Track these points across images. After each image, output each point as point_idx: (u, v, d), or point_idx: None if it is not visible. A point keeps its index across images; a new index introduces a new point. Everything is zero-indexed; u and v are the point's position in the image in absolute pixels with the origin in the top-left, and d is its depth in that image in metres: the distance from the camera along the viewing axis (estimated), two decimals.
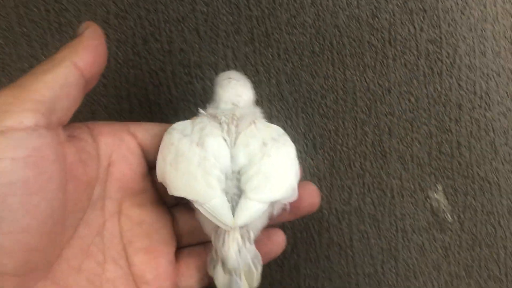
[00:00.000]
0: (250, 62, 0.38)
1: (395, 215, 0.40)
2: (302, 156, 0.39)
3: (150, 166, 0.31)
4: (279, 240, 0.33)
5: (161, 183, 0.29)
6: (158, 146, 0.29)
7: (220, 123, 0.28)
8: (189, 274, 0.31)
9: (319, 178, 0.39)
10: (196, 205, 0.27)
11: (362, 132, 0.39)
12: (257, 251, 0.28)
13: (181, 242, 0.32)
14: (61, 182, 0.26)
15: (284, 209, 0.29)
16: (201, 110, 0.30)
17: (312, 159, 0.39)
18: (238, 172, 0.27)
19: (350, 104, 0.39)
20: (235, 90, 0.31)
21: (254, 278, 0.28)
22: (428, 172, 0.39)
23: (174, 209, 0.33)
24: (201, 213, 0.27)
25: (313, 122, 0.39)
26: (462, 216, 0.39)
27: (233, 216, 0.26)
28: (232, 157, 0.27)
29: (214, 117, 0.29)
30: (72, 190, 0.27)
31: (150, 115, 0.40)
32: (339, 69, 0.38)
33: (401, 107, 0.38)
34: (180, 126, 0.29)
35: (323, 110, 0.39)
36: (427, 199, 0.39)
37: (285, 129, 0.36)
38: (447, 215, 0.39)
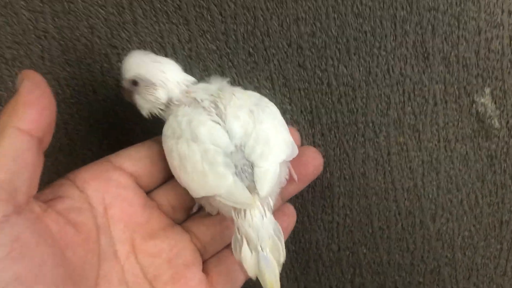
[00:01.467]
0: None
1: (438, 124, 0.36)
2: (335, 63, 0.35)
3: (148, 190, 0.31)
4: (291, 211, 0.34)
5: (164, 204, 0.30)
6: (149, 168, 0.30)
7: (203, 107, 0.29)
8: (223, 282, 0.30)
9: (353, 88, 0.35)
10: (217, 199, 0.27)
11: (402, 32, 0.34)
12: (276, 222, 0.28)
13: (206, 254, 0.31)
14: (55, 257, 0.23)
15: (291, 178, 0.30)
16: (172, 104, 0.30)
17: (346, 67, 0.35)
18: (240, 144, 0.28)
19: (388, 1, 0.33)
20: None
21: (280, 252, 0.27)
22: (474, 74, 0.35)
23: (187, 224, 0.31)
24: (221, 203, 0.27)
25: (347, 23, 0.34)
26: (510, 121, 0.35)
27: (254, 188, 0.27)
28: (229, 133, 0.28)
29: (194, 102, 0.29)
30: (73, 256, 0.24)
31: (158, 26, 0.34)
32: None
33: (447, 0, 0.33)
34: (169, 131, 0.29)
35: (358, 9, 0.34)
36: (473, 104, 0.35)
37: (314, 34, 0.33)
38: (494, 120, 0.36)
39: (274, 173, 0.28)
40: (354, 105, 0.36)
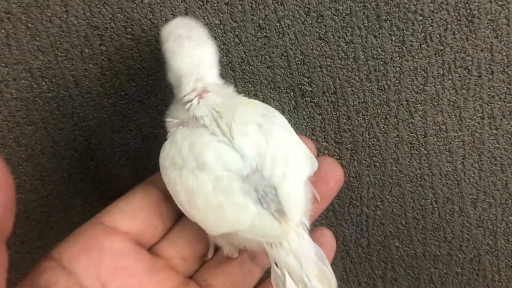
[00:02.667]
0: None
1: (482, 99, 0.31)
2: (362, 33, 0.29)
3: (151, 244, 0.26)
4: (327, 234, 0.28)
5: (174, 257, 0.26)
6: (148, 220, 0.26)
7: (205, 126, 0.24)
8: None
9: (384, 62, 0.30)
10: (241, 235, 0.24)
11: None
12: (317, 245, 0.24)
13: None
14: None
15: (315, 199, 0.26)
16: (169, 119, 0.25)
17: (375, 37, 0.29)
18: (256, 166, 0.24)
19: None
20: (191, 56, 0.24)
21: (330, 279, 0.24)
22: None
23: (203, 275, 0.27)
24: (246, 238, 0.24)
25: None
26: None
27: (283, 213, 0.23)
28: (239, 154, 0.24)
29: (193, 121, 0.24)
30: None
31: (149, 0, 0.28)
32: None
33: None
34: (168, 160, 0.24)
35: None
36: None
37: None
38: None
39: (302, 194, 0.24)
40: (386, 82, 0.30)
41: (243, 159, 0.24)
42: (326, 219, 0.34)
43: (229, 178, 0.23)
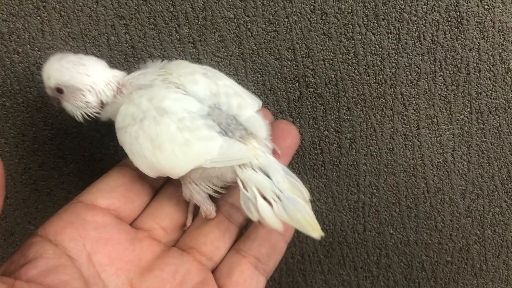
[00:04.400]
0: None
1: (470, 95, 0.34)
2: (362, 30, 0.32)
3: (132, 219, 0.28)
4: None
5: (155, 228, 0.28)
6: (126, 195, 0.27)
7: (160, 82, 0.27)
8: None
9: (382, 58, 0.33)
10: (210, 167, 0.25)
11: None
12: (282, 164, 0.27)
13: (214, 264, 0.28)
14: None
15: (274, 151, 0.28)
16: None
17: (374, 34, 0.32)
18: (214, 104, 0.26)
19: None
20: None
21: (301, 189, 0.26)
22: (511, 40, 0.32)
23: (184, 241, 0.28)
24: (216, 170, 0.26)
25: None
26: None
27: (248, 137, 0.26)
28: (195, 97, 0.26)
29: (144, 87, 0.27)
30: None
31: None
32: None
33: None
34: (127, 119, 0.26)
35: None
36: (508, 72, 0.33)
37: None
38: None
39: (260, 116, 0.27)
40: (383, 76, 0.33)
41: (199, 102, 0.26)
42: (325, 205, 0.36)
43: (192, 117, 0.25)
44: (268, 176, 0.25)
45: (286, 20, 0.32)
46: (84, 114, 0.28)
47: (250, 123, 0.27)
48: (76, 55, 0.27)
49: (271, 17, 0.32)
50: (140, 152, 0.26)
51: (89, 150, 0.35)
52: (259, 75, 0.33)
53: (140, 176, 0.28)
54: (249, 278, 0.27)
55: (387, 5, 0.31)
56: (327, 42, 0.32)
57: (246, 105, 0.27)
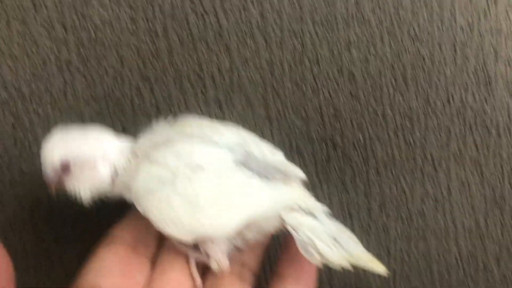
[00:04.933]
0: None
1: (501, 156, 0.33)
2: (390, 92, 0.31)
3: None
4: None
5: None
6: (126, 268, 0.25)
7: (180, 136, 0.25)
8: None
9: (411, 119, 0.32)
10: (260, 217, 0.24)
11: (463, 57, 0.31)
12: None
13: None
14: None
15: None
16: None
17: (403, 96, 0.32)
18: (246, 152, 0.25)
19: (448, 22, 0.31)
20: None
21: (346, 230, 0.26)
22: None
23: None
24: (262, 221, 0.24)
25: (402, 47, 0.31)
26: None
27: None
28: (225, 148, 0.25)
29: (165, 142, 0.25)
30: None
31: (196, 55, 0.31)
32: None
33: (510, 20, 0.31)
34: (151, 183, 0.24)
35: (414, 32, 0.31)
36: None
37: (367, 60, 0.30)
38: None
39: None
40: (412, 138, 0.32)
41: (231, 151, 0.24)
42: (355, 274, 0.35)
43: (229, 169, 0.23)
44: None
45: (313, 82, 0.31)
46: (93, 191, 0.25)
47: (286, 166, 0.25)
48: (78, 127, 0.26)
49: (298, 79, 0.31)
50: (175, 217, 0.23)
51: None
52: (286, 137, 0.32)
53: (132, 249, 0.26)
54: None
55: (415, 68, 0.31)
56: (355, 103, 0.32)
57: (275, 149, 0.26)
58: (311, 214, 0.25)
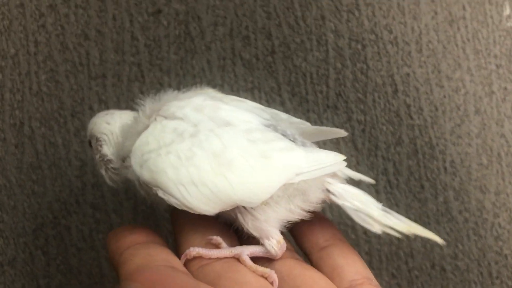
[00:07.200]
0: (414, 177, 0.33)
1: None
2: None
3: None
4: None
5: None
6: None
7: (199, 95, 0.22)
8: None
9: None
10: (298, 179, 0.21)
11: None
12: None
13: None
14: None
15: None
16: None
17: None
18: (271, 116, 0.23)
19: None
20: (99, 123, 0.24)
21: None
22: None
23: None
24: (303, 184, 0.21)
25: (487, 245, 0.33)
26: None
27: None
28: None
29: (180, 100, 0.22)
30: None
31: None
32: (510, 183, 0.34)
33: None
34: (165, 137, 0.20)
35: (497, 232, 0.33)
36: None
37: (456, 256, 0.32)
38: None
39: None
40: None
41: (258, 116, 0.22)
42: None
43: (259, 129, 0.21)
44: None
45: (408, 274, 0.33)
46: (106, 172, 0.23)
47: (321, 129, 0.24)
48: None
49: (394, 271, 0.33)
50: (196, 177, 0.19)
51: None
52: None
53: None
54: None
55: (498, 264, 0.33)
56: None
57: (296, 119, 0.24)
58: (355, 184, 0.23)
